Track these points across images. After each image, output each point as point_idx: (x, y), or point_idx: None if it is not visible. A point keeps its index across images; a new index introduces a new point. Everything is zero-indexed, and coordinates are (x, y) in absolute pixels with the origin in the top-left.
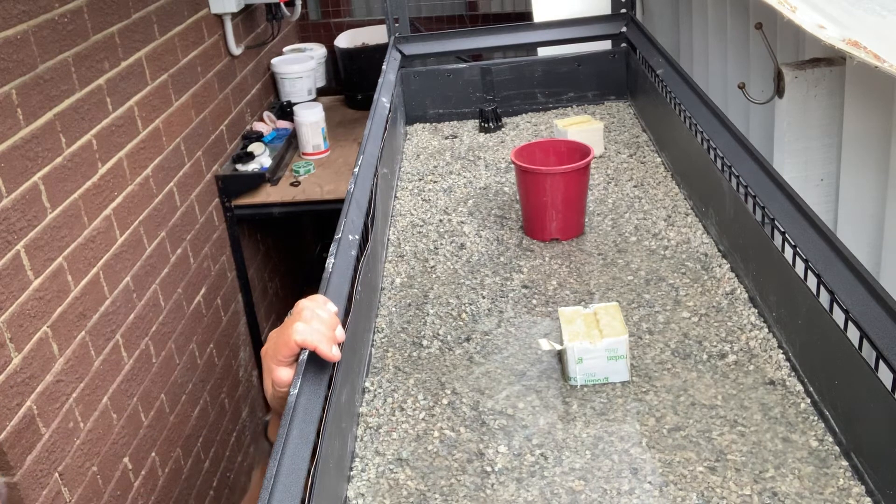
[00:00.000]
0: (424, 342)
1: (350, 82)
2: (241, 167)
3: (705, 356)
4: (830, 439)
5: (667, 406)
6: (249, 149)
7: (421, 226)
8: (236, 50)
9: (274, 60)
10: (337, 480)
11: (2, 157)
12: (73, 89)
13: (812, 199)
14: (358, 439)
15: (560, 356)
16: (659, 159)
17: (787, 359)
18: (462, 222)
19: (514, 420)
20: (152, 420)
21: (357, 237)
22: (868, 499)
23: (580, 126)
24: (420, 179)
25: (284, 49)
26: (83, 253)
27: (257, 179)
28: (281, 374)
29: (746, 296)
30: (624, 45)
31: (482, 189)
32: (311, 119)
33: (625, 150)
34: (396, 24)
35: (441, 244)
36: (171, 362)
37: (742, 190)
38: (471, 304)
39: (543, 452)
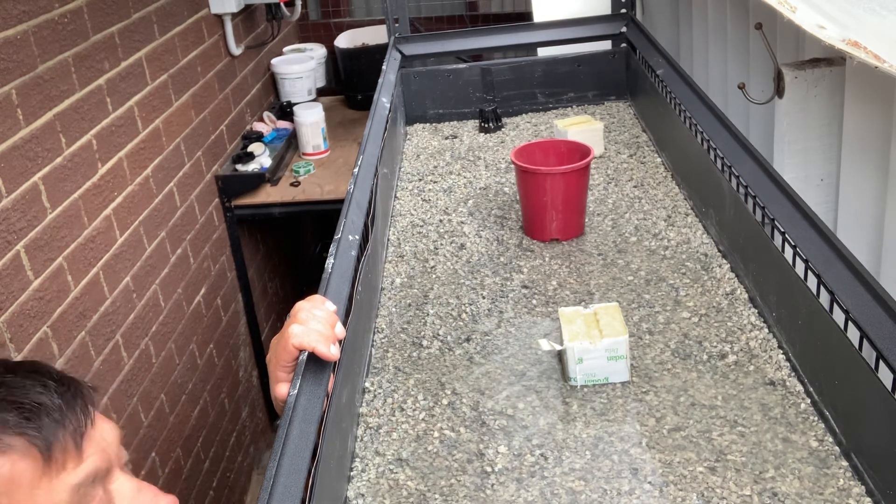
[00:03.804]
0: (424, 342)
1: (350, 82)
2: (241, 167)
3: (705, 356)
4: (830, 439)
5: (667, 406)
6: (249, 149)
7: (421, 226)
8: (236, 50)
9: (274, 60)
10: (337, 480)
11: (2, 157)
12: (73, 89)
13: (812, 199)
14: (358, 439)
15: (560, 356)
16: (659, 159)
17: (788, 359)
18: (462, 222)
19: (514, 420)
20: (152, 420)
21: (357, 237)
22: (868, 499)
23: (580, 126)
24: (420, 179)
25: (284, 49)
26: (83, 253)
27: (257, 179)
28: (282, 389)
29: (746, 296)
30: (624, 45)
31: (482, 189)
32: (311, 119)
33: (625, 150)
34: (396, 24)
35: (441, 244)
36: (171, 362)
37: (742, 190)
38: (471, 305)
39: (543, 453)
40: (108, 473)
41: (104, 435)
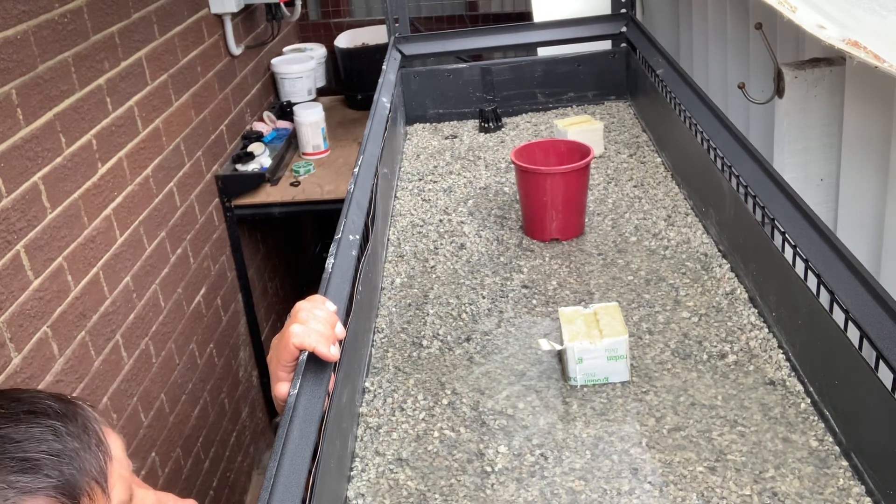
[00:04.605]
0: (424, 342)
1: (350, 82)
2: (241, 167)
3: (705, 356)
4: (830, 439)
5: (667, 406)
6: (249, 149)
7: (421, 226)
8: (236, 50)
9: (274, 60)
10: (337, 480)
11: (2, 157)
12: (73, 89)
13: (812, 199)
14: (358, 439)
15: (560, 356)
16: (659, 159)
17: (787, 359)
18: (462, 222)
19: (514, 420)
20: (152, 420)
21: (357, 237)
22: (868, 499)
23: (580, 126)
24: (420, 179)
25: (284, 49)
26: (83, 253)
27: (257, 179)
28: (282, 388)
29: (746, 296)
30: (624, 45)
31: (482, 189)
32: (311, 119)
33: (625, 150)
34: (396, 24)
35: (441, 244)
36: (171, 362)
37: (742, 190)
38: (471, 304)
39: (543, 452)
40: (131, 497)
41: (117, 455)
